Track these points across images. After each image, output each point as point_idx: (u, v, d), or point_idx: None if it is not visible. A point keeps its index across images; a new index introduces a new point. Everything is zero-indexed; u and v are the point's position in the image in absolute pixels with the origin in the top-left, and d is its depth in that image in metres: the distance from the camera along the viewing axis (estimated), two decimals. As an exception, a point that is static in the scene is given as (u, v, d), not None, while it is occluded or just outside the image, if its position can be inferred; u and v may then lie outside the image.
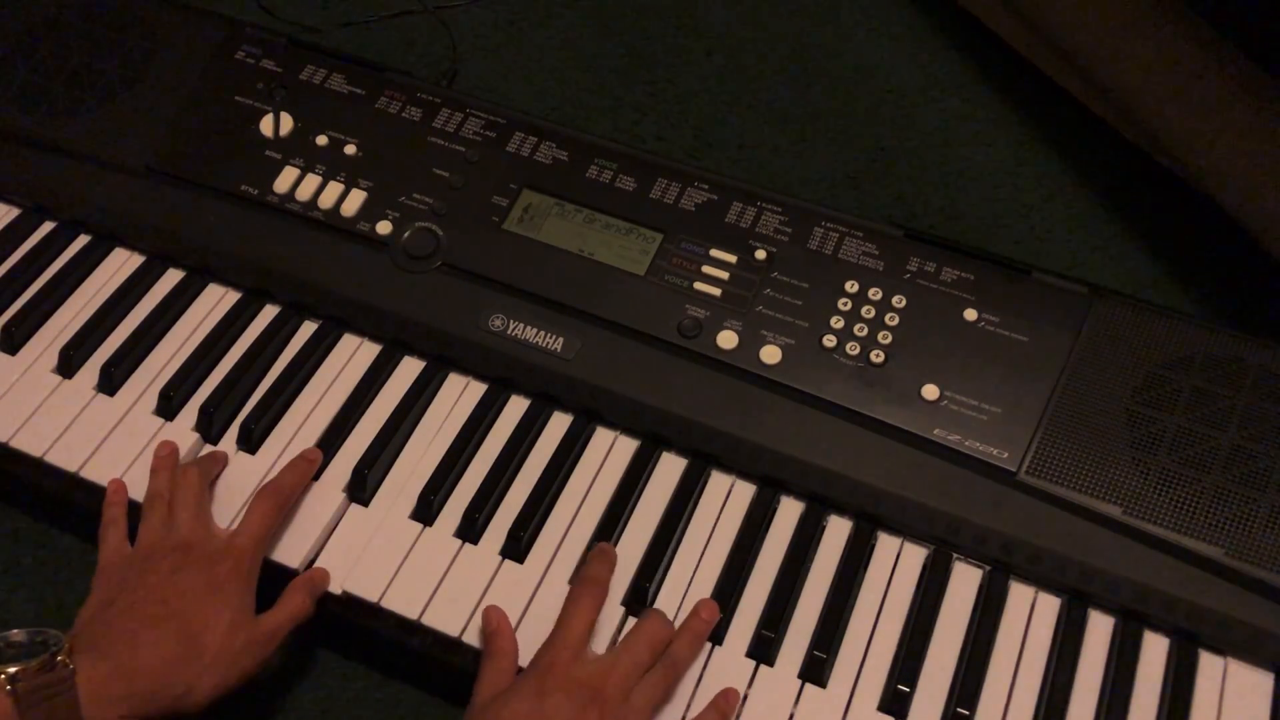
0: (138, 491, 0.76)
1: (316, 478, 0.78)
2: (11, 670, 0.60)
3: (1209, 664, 0.70)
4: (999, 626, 0.71)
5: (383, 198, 0.86)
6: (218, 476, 0.78)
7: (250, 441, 0.79)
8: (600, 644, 0.70)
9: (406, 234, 0.85)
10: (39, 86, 0.93)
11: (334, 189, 0.87)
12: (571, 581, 0.73)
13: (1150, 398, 0.74)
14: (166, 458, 0.77)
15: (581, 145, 0.87)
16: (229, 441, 0.80)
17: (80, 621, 0.68)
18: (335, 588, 0.74)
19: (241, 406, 0.81)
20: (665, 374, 0.79)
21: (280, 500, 0.74)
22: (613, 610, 0.72)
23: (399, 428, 0.79)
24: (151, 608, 0.67)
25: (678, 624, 0.71)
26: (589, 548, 0.75)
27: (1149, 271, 0.99)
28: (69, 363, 0.83)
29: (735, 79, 1.14)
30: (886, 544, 0.75)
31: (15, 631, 0.64)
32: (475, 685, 0.68)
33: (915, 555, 0.75)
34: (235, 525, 0.75)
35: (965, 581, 0.73)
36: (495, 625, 0.70)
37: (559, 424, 0.80)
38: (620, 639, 0.68)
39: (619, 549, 0.75)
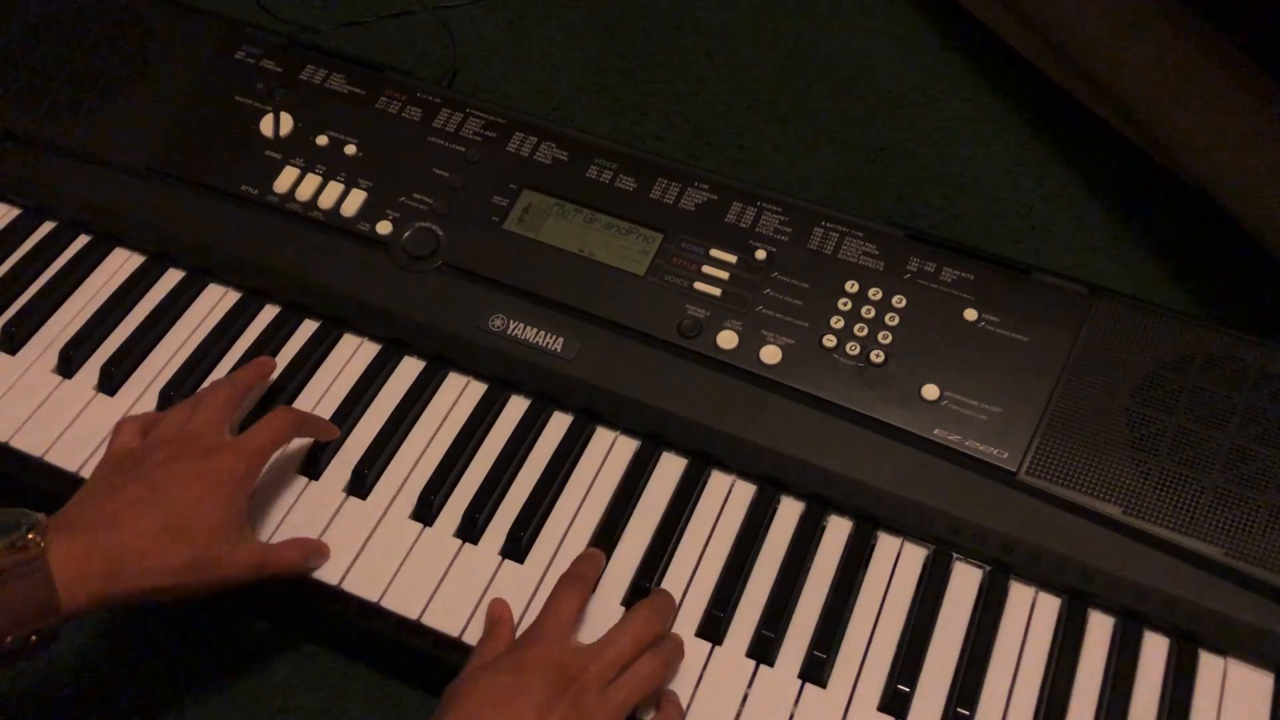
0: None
1: (316, 477, 0.78)
2: None
3: (1209, 664, 0.70)
4: (999, 626, 0.71)
5: (383, 198, 0.86)
6: (256, 396, 0.78)
7: (250, 441, 0.79)
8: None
9: (406, 234, 0.85)
10: (39, 86, 0.93)
11: (334, 189, 0.87)
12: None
13: (1150, 398, 0.74)
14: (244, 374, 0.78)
15: (581, 145, 0.87)
16: (229, 441, 0.80)
17: (68, 504, 0.67)
18: (332, 579, 0.73)
19: (241, 406, 0.81)
20: (665, 374, 0.79)
21: (296, 421, 0.74)
22: (613, 610, 0.72)
23: (399, 428, 0.79)
24: (138, 489, 0.66)
25: (677, 625, 0.71)
26: (589, 547, 0.75)
27: (1149, 271, 0.99)
28: (69, 363, 0.83)
29: (735, 79, 1.14)
30: (886, 544, 0.75)
31: None
32: (470, 658, 0.68)
33: (915, 555, 0.75)
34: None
35: (965, 581, 0.73)
36: (498, 614, 0.71)
37: (559, 424, 0.80)
38: (608, 631, 0.68)
39: (619, 549, 0.75)
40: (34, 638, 0.60)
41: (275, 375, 0.82)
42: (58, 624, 0.61)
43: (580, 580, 0.70)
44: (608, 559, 0.74)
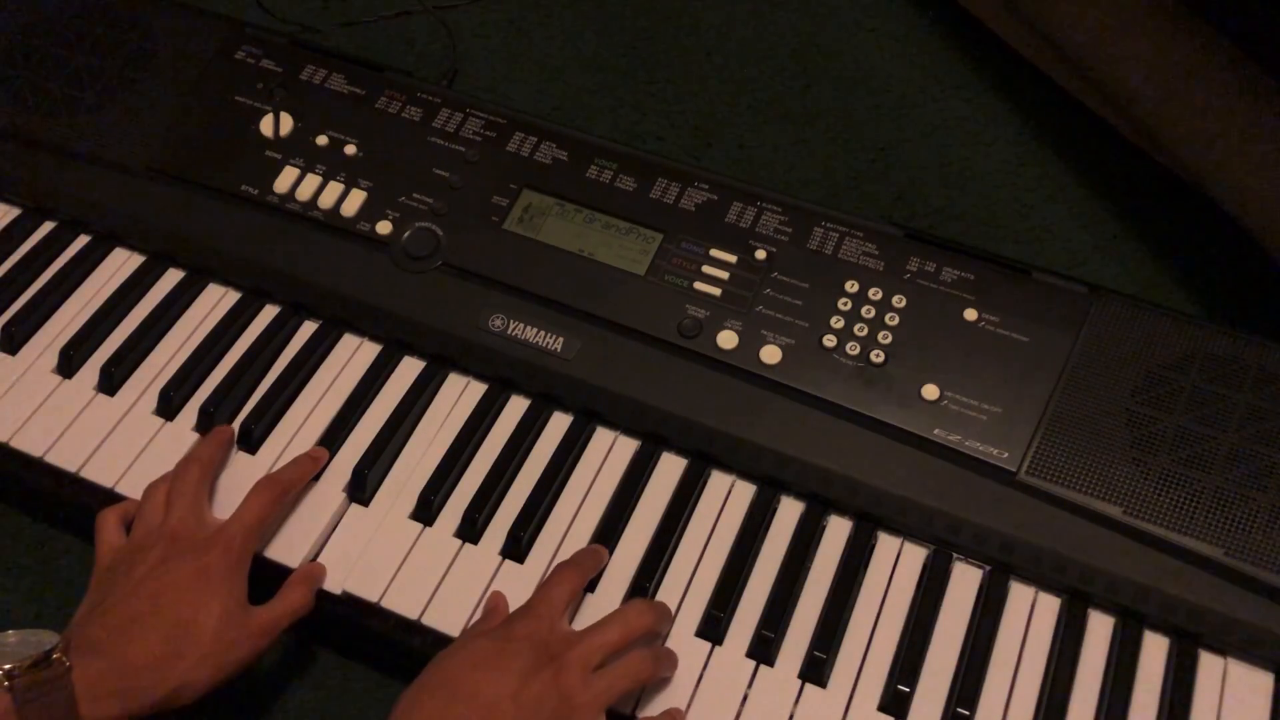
0: (136, 491, 0.76)
1: (317, 478, 0.78)
2: (8, 667, 0.61)
3: (1209, 664, 0.70)
4: (999, 626, 0.71)
5: (383, 198, 0.86)
6: (223, 465, 0.78)
7: (250, 441, 0.79)
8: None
9: (406, 234, 0.85)
10: (39, 86, 0.93)
11: (334, 189, 0.87)
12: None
13: (1150, 398, 0.74)
14: (194, 457, 0.77)
15: (581, 145, 0.87)
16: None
17: (76, 620, 0.68)
18: (335, 587, 0.74)
19: (241, 406, 0.82)
20: (665, 374, 0.79)
21: (277, 491, 0.74)
22: (613, 610, 0.72)
23: (399, 428, 0.79)
24: (140, 603, 0.67)
25: (677, 625, 0.71)
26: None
27: (1149, 271, 0.99)
28: (69, 363, 0.83)
29: (735, 79, 1.14)
30: (886, 544, 0.75)
31: (10, 633, 0.64)
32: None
33: (915, 555, 0.75)
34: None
35: (965, 581, 0.73)
36: (494, 604, 0.71)
37: (559, 424, 0.80)
38: (600, 620, 0.68)
39: (619, 549, 0.75)
40: None
41: (274, 377, 0.82)
42: None
43: (578, 568, 0.71)
44: (608, 559, 0.74)
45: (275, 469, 0.77)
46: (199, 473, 0.75)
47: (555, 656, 0.64)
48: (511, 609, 0.71)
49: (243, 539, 0.71)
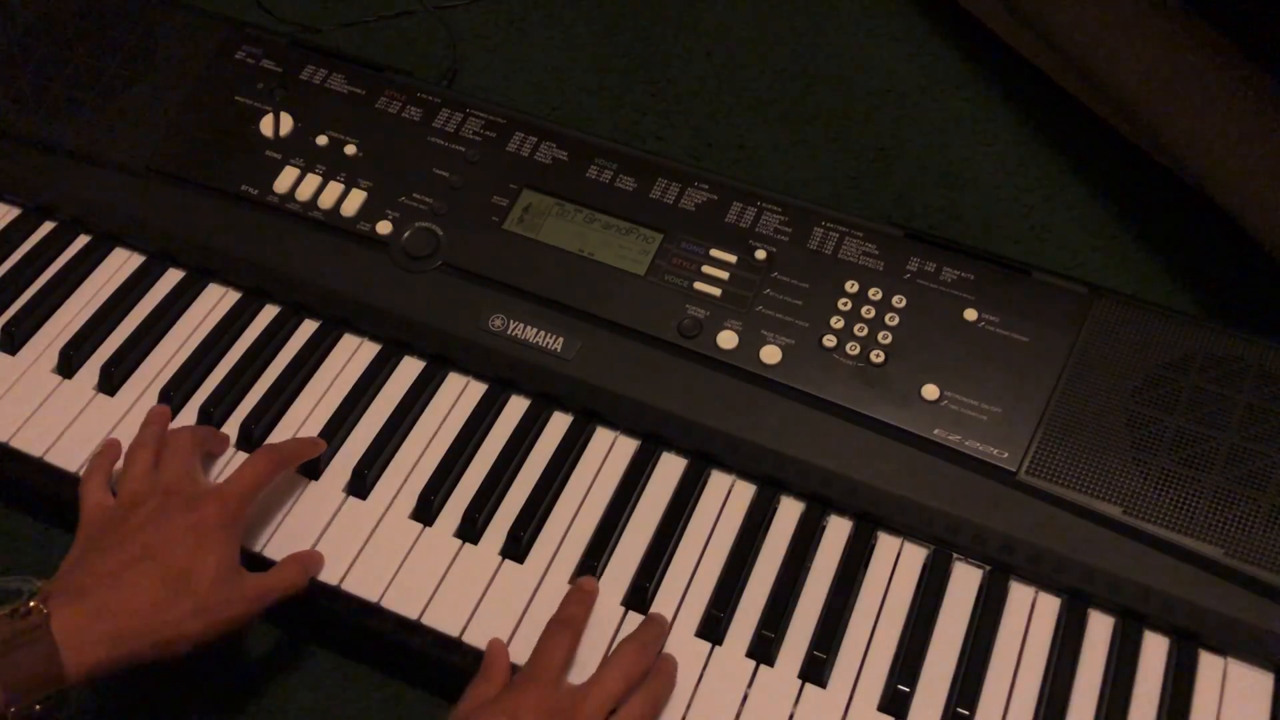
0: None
1: (316, 477, 0.78)
2: None
3: (1209, 664, 0.70)
4: (999, 626, 0.71)
5: (383, 198, 0.86)
6: (217, 453, 0.78)
7: (250, 441, 0.79)
8: (596, 641, 0.70)
9: (406, 234, 0.85)
10: (39, 86, 0.93)
11: (334, 189, 0.87)
12: (570, 580, 0.74)
13: (1150, 398, 0.74)
14: (157, 414, 0.77)
15: (581, 145, 0.87)
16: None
17: (60, 571, 0.66)
18: (333, 581, 0.73)
19: (241, 406, 0.81)
20: (665, 374, 0.79)
21: (276, 460, 0.73)
22: (613, 610, 0.72)
23: (399, 427, 0.79)
24: (133, 549, 0.66)
25: (677, 625, 0.71)
26: (589, 548, 0.75)
27: (1149, 271, 0.99)
28: (69, 363, 0.83)
29: (735, 79, 1.14)
30: (886, 544, 0.75)
31: None
32: (460, 699, 0.67)
33: (915, 555, 0.75)
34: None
35: (965, 581, 0.73)
36: (495, 653, 0.70)
37: (559, 424, 0.80)
38: (597, 668, 0.68)
39: (619, 549, 0.75)
40: (38, 707, 0.60)
41: (274, 377, 0.82)
42: (63, 691, 0.61)
43: (569, 624, 0.69)
44: (608, 558, 0.74)
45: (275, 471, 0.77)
46: (191, 437, 0.74)
47: (567, 718, 0.63)
48: (510, 614, 0.71)
49: (238, 498, 0.70)
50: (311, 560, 0.73)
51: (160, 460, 0.72)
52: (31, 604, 0.61)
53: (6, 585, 0.62)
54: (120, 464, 0.76)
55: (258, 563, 0.73)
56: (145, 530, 0.67)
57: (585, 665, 0.69)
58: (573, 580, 0.73)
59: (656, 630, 0.71)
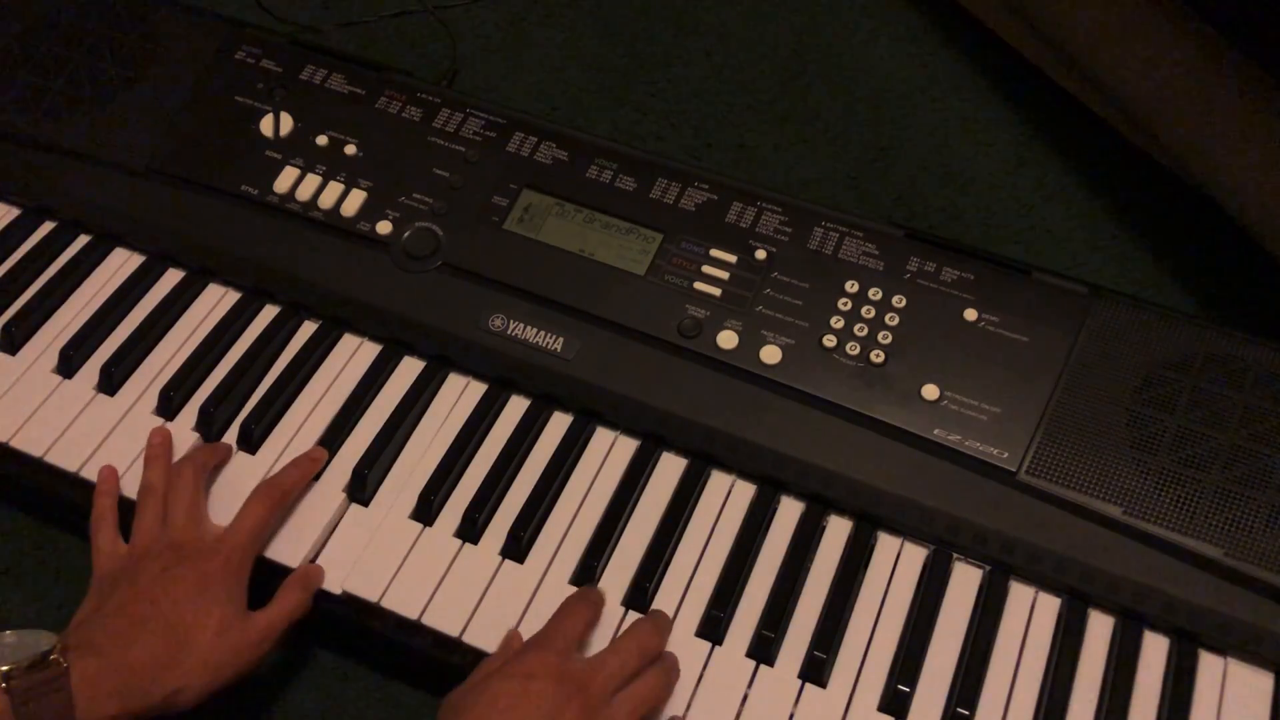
0: (134, 488, 0.76)
1: (317, 478, 0.78)
2: (5, 668, 0.62)
3: (1209, 664, 0.70)
4: (999, 626, 0.71)
5: (383, 198, 0.86)
6: (220, 469, 0.78)
7: (250, 441, 0.79)
8: (597, 641, 0.70)
9: (406, 234, 0.85)
10: (39, 86, 0.93)
11: (334, 189, 0.87)
12: (570, 580, 0.74)
13: (1150, 398, 0.74)
14: (160, 446, 0.77)
15: (581, 145, 0.87)
16: (229, 441, 0.80)
17: (75, 622, 0.68)
18: (335, 587, 0.74)
19: (241, 406, 0.81)
20: (665, 374, 0.79)
21: (276, 497, 0.74)
22: (613, 610, 0.72)
23: (399, 428, 0.79)
24: (141, 607, 0.67)
25: (677, 625, 0.71)
26: (589, 547, 0.75)
27: (1149, 271, 0.99)
28: (69, 363, 0.83)
29: (735, 79, 1.14)
30: (886, 544, 0.75)
31: (8, 633, 0.65)
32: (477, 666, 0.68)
33: (915, 555, 0.75)
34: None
35: (965, 581, 0.73)
36: (513, 635, 0.71)
37: (559, 424, 0.80)
38: (610, 644, 0.68)
39: (619, 549, 0.75)
40: None
41: (274, 377, 0.82)
42: None
43: (592, 606, 0.70)
44: (608, 558, 0.74)
45: (275, 470, 0.77)
46: (193, 478, 0.75)
47: (580, 688, 0.64)
48: (511, 614, 0.71)
49: (244, 547, 0.72)
50: (311, 577, 0.73)
51: (167, 509, 0.73)
52: (52, 657, 0.63)
53: (24, 638, 0.64)
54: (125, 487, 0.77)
55: (258, 565, 0.73)
56: (153, 587, 0.69)
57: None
58: (573, 581, 0.74)
59: (664, 617, 0.71)
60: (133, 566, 0.70)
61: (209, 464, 0.77)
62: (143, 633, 0.66)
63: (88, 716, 0.62)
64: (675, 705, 0.69)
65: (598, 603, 0.71)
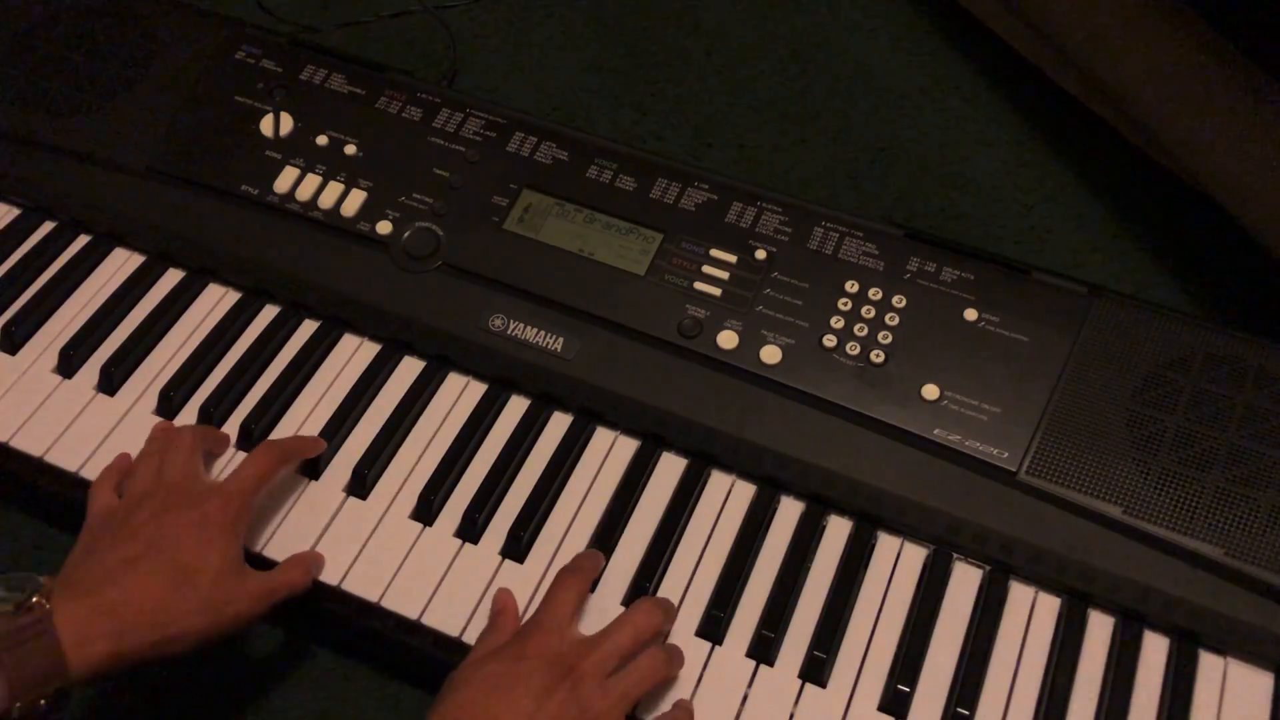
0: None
1: (316, 477, 0.78)
2: None
3: (1209, 664, 0.70)
4: (999, 626, 0.71)
5: (383, 198, 0.86)
6: (218, 453, 0.78)
7: (250, 441, 0.79)
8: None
9: (406, 234, 0.85)
10: (39, 86, 0.93)
11: (334, 189, 0.87)
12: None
13: (1150, 398, 0.74)
14: (162, 428, 0.78)
15: (581, 145, 0.87)
16: (229, 441, 0.80)
17: (64, 567, 0.66)
18: (333, 582, 0.73)
19: (241, 406, 0.81)
20: (665, 374, 0.79)
21: (278, 455, 0.73)
22: (613, 610, 0.72)
23: (399, 428, 0.79)
24: (136, 546, 0.66)
25: (677, 625, 0.71)
26: (589, 547, 0.75)
27: (1149, 271, 0.99)
28: (69, 363, 0.83)
29: (735, 79, 1.14)
30: (886, 544, 0.75)
31: None
32: (471, 650, 0.68)
33: (915, 555, 0.75)
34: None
35: (965, 581, 0.73)
36: (502, 604, 0.71)
37: (559, 424, 0.80)
38: (610, 623, 0.68)
39: (619, 549, 0.75)
40: (42, 703, 0.60)
41: (274, 377, 0.82)
42: (66, 688, 0.61)
43: (579, 573, 0.70)
44: (607, 559, 0.74)
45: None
46: (193, 436, 0.75)
47: (570, 669, 0.64)
48: (518, 604, 0.71)
49: (241, 495, 0.70)
50: (314, 561, 0.73)
51: (164, 461, 0.73)
52: (35, 599, 0.61)
53: (9, 582, 0.62)
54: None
55: (258, 563, 0.73)
56: (148, 526, 0.67)
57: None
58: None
59: (667, 600, 0.71)
60: (125, 512, 0.69)
61: (209, 437, 0.77)
62: (137, 571, 0.64)
63: (78, 659, 0.60)
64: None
65: (588, 569, 0.71)
